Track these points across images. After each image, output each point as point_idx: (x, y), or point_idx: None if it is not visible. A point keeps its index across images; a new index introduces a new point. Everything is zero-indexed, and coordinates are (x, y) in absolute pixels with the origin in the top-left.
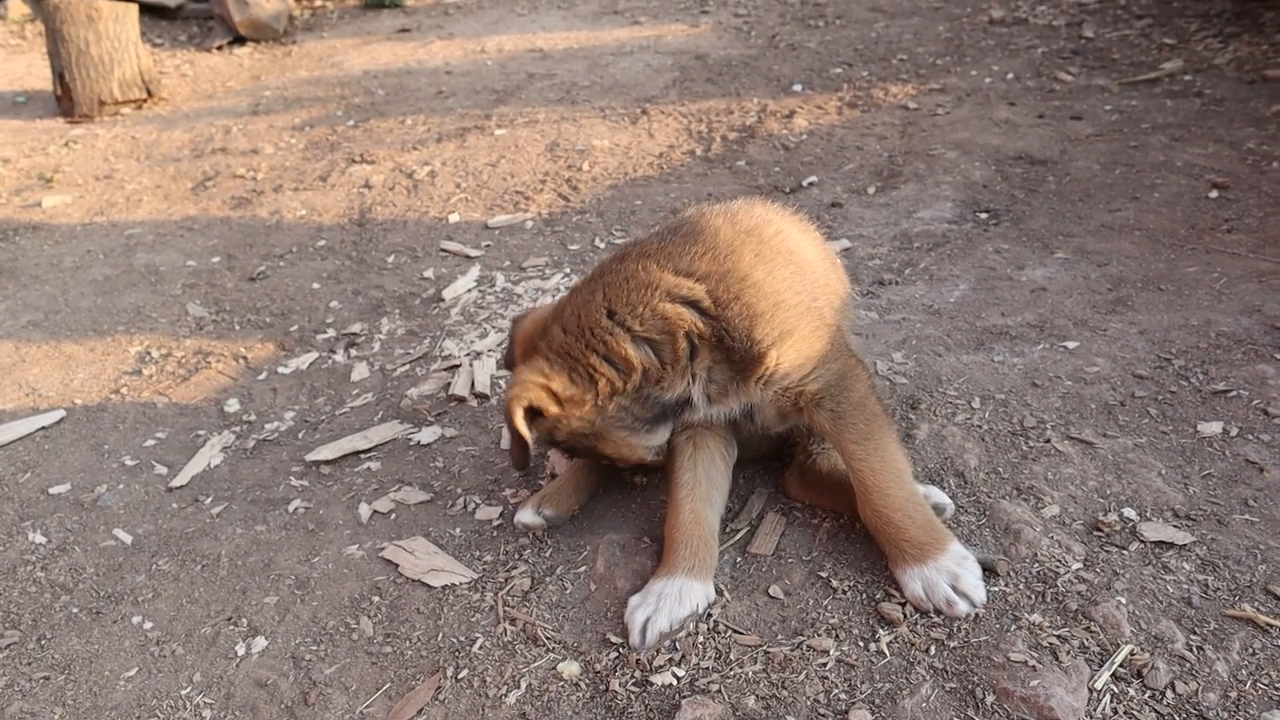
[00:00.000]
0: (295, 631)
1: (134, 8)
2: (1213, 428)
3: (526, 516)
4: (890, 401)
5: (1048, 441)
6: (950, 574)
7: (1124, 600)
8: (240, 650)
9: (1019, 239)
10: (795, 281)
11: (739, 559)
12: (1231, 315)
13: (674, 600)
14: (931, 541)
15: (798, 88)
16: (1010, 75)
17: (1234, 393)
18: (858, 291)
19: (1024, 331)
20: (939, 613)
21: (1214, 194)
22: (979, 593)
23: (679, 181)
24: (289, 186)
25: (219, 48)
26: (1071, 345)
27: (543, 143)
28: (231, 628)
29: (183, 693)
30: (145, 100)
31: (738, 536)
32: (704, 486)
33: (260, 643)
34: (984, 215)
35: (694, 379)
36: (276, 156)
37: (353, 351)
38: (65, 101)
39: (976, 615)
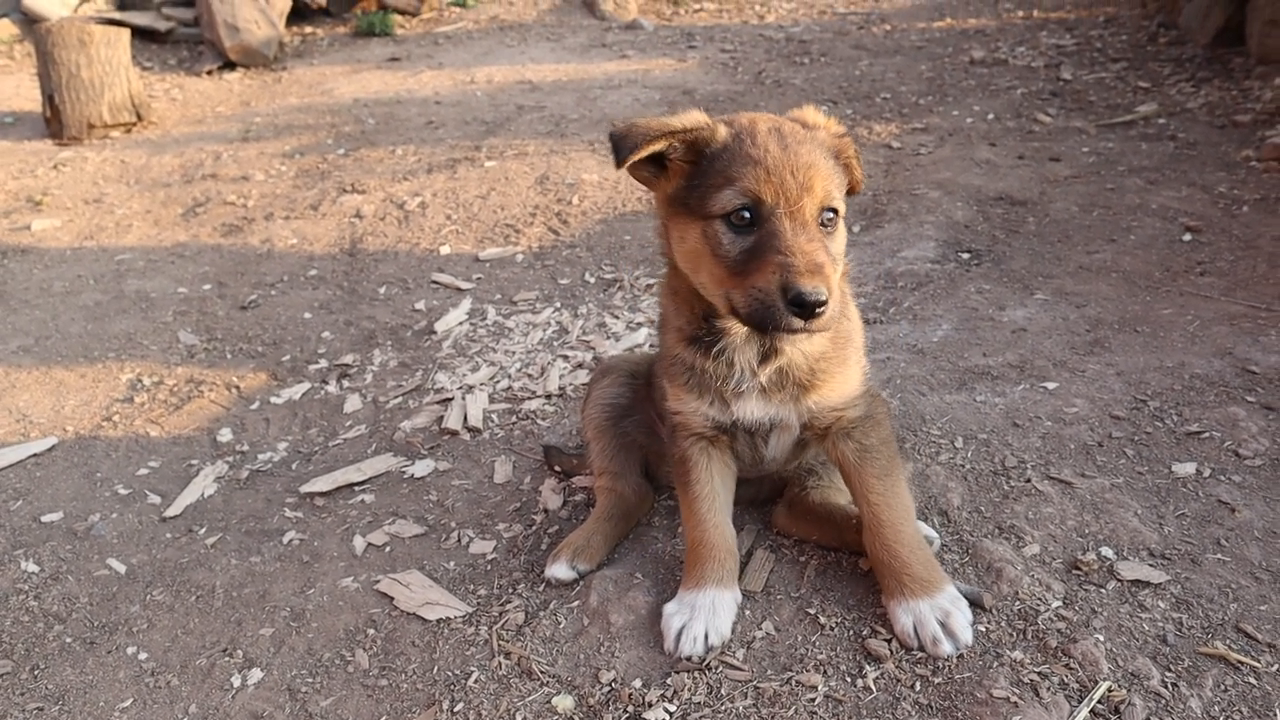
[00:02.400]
0: (291, 663)
1: (126, 32)
2: (1186, 468)
3: (561, 571)
4: None
5: (1028, 481)
6: (943, 611)
7: (1102, 638)
8: (236, 682)
9: (1000, 279)
10: (854, 314)
11: None
12: (1204, 358)
13: (708, 611)
14: (931, 579)
15: None
16: (991, 115)
17: (1207, 434)
18: None
19: (1005, 372)
20: (923, 650)
21: (1187, 237)
22: (966, 634)
23: None
24: (280, 214)
25: (209, 72)
26: (1051, 386)
27: (532, 175)
28: (227, 659)
29: None
30: (135, 124)
31: None
32: (722, 497)
33: (256, 674)
34: (966, 255)
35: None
36: (267, 184)
37: (345, 382)
38: (54, 124)
39: (960, 655)
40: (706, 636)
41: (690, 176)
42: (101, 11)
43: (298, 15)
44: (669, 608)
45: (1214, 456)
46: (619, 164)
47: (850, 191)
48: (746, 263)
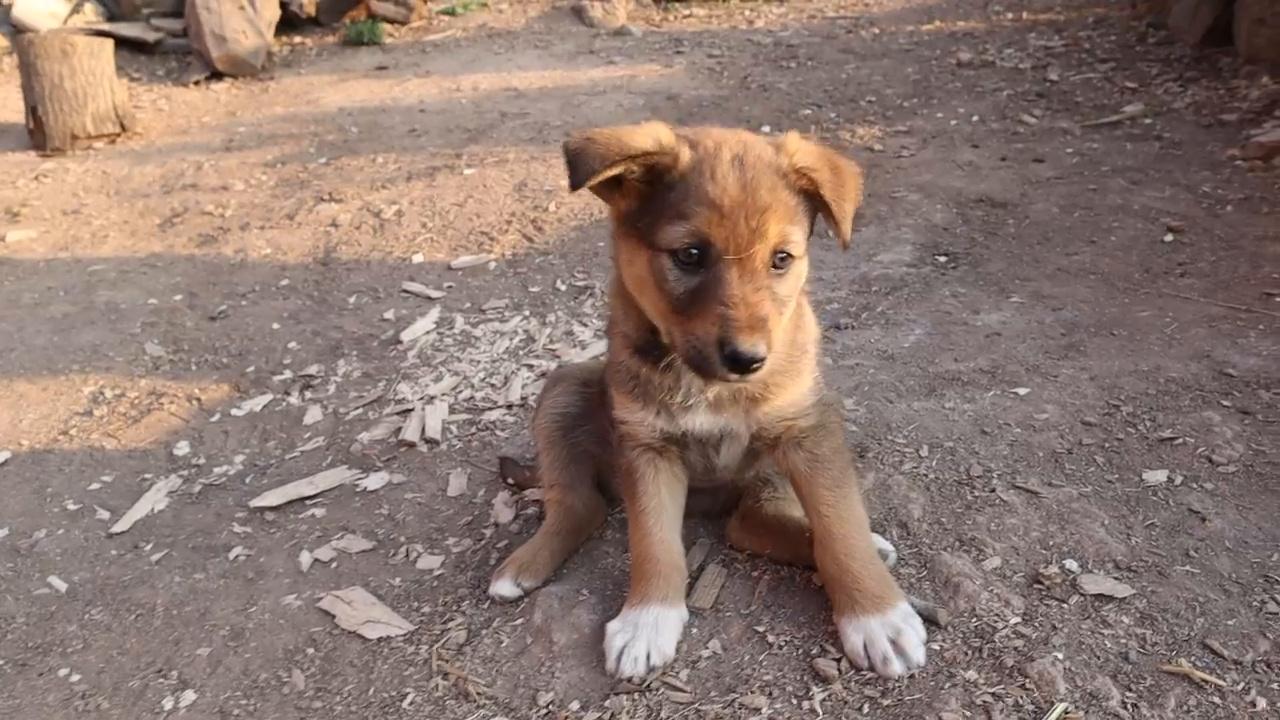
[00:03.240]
0: (226, 684)
1: (109, 43)
2: (1158, 476)
3: (505, 589)
4: None
5: (993, 491)
6: (894, 629)
7: (1061, 656)
8: (168, 704)
9: (976, 283)
10: (810, 323)
11: None
12: (1181, 361)
13: (651, 629)
14: (884, 595)
15: (766, 129)
16: (975, 118)
17: (1180, 440)
18: None
19: (976, 378)
20: (873, 670)
21: (1169, 237)
22: (918, 654)
23: None
24: (256, 224)
25: (196, 83)
26: (1022, 392)
27: (511, 182)
28: (161, 680)
29: None
30: (119, 135)
31: None
32: (670, 510)
33: (189, 696)
34: (943, 259)
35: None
36: (246, 193)
37: (308, 394)
38: (38, 135)
39: (911, 675)
40: (649, 656)
41: (645, 200)
42: (91, 23)
43: (287, 25)
44: (612, 626)
45: (1186, 463)
46: (574, 187)
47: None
48: (690, 304)
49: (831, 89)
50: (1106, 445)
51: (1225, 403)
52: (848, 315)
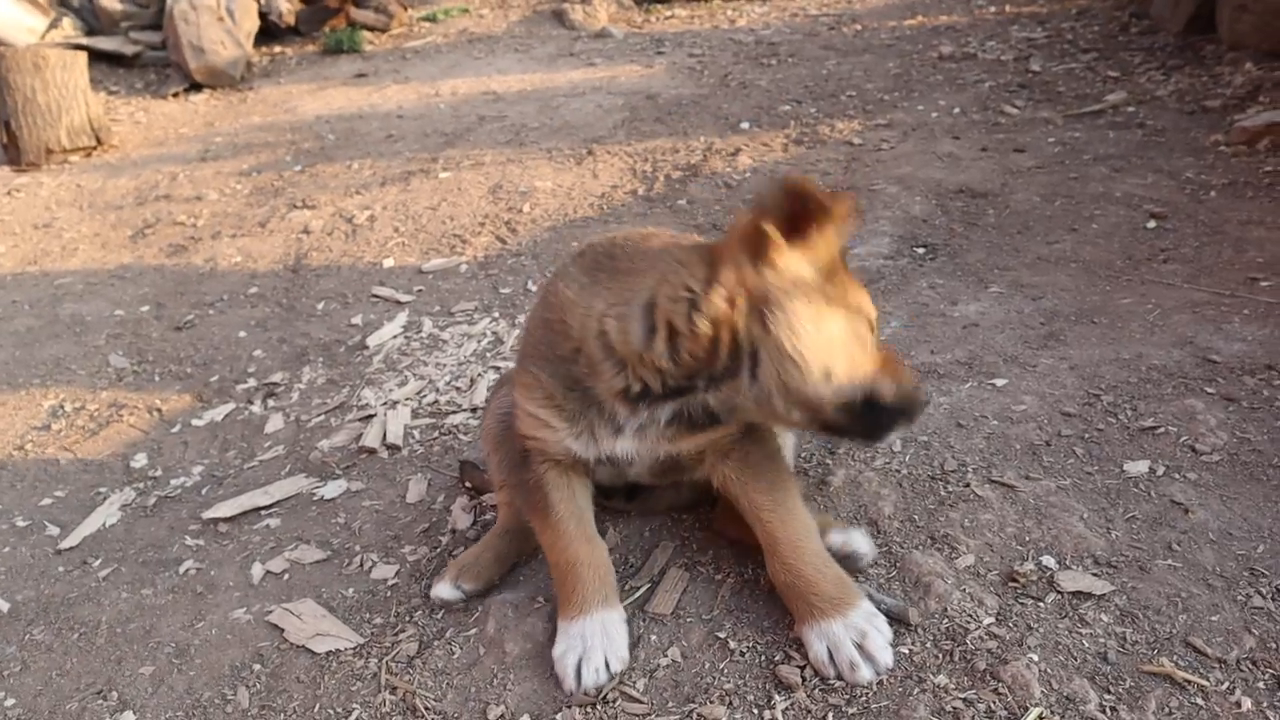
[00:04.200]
0: (167, 704)
1: (82, 55)
2: (1139, 467)
3: (444, 591)
4: (808, 445)
5: (967, 485)
6: (858, 631)
7: (1036, 658)
8: None
9: (954, 274)
10: None
11: (637, 619)
12: (1164, 348)
13: (601, 636)
14: (843, 597)
15: (745, 125)
16: (957, 109)
17: (1162, 429)
18: None
19: (952, 369)
20: (840, 678)
21: (1151, 224)
22: (885, 656)
23: (618, 221)
24: (227, 233)
25: (175, 95)
26: (1000, 383)
27: (486, 185)
28: (100, 702)
29: None
30: (95, 148)
31: (637, 594)
32: (588, 514)
33: (128, 718)
34: (921, 250)
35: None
36: (220, 203)
37: (270, 402)
38: (11, 150)
39: (880, 680)
40: (608, 665)
41: None
42: (70, 37)
43: (266, 35)
44: (558, 649)
45: (1169, 453)
46: None
47: None
48: None
49: (812, 85)
50: (1086, 436)
51: (1209, 390)
52: None
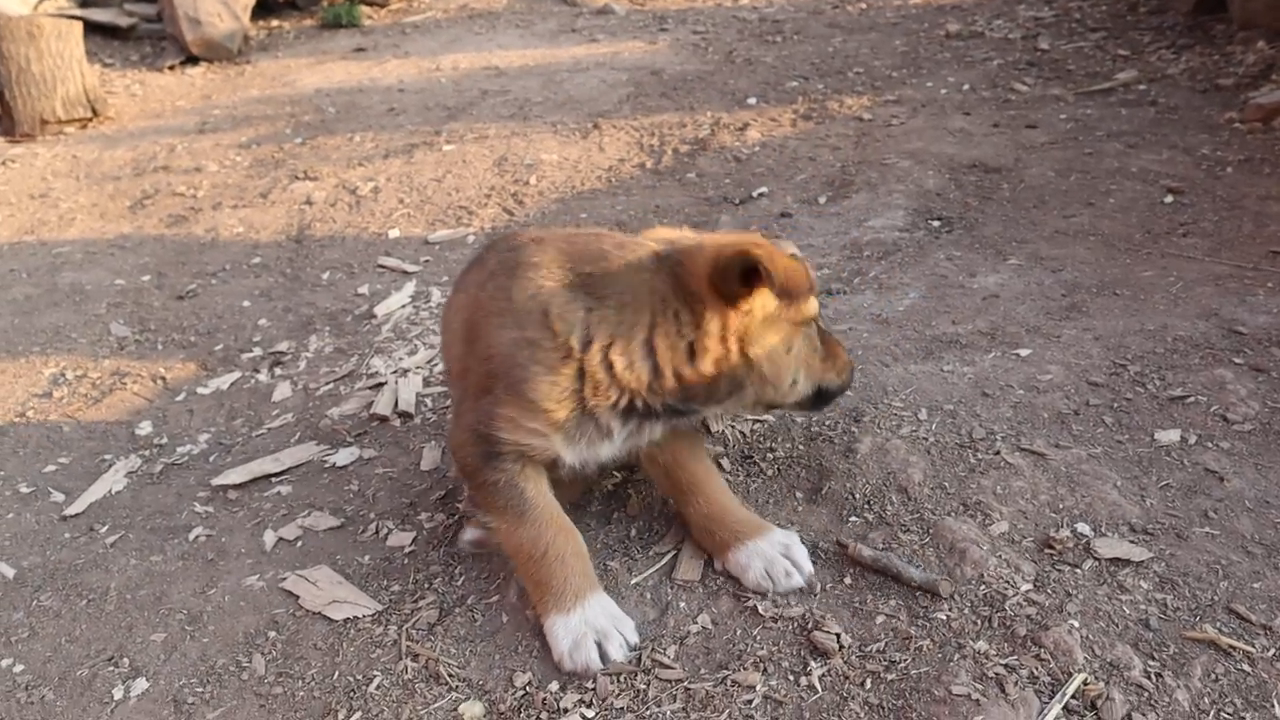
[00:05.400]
0: (180, 671)
1: (78, 25)
2: (1170, 436)
3: (474, 534)
4: (833, 415)
5: (997, 453)
6: (782, 545)
7: (1077, 624)
8: (118, 694)
9: (971, 246)
10: None
11: (664, 585)
12: (1188, 319)
13: (607, 618)
14: (760, 523)
15: (752, 101)
16: (966, 86)
17: (1192, 399)
18: None
19: (975, 339)
20: (777, 591)
21: (1169, 199)
22: (808, 564)
23: (627, 194)
24: (228, 204)
25: (171, 68)
26: (1024, 353)
27: (491, 158)
28: (111, 669)
29: None
30: (90, 119)
31: (663, 561)
32: (558, 505)
33: (140, 685)
34: (936, 223)
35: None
36: (220, 174)
37: (277, 370)
38: (5, 120)
39: (908, 639)
40: (625, 642)
41: None
42: (63, 9)
43: (263, 9)
44: (563, 645)
45: (1200, 422)
46: None
47: None
48: None
49: (818, 61)
50: (1115, 405)
51: (1237, 360)
52: (839, 281)
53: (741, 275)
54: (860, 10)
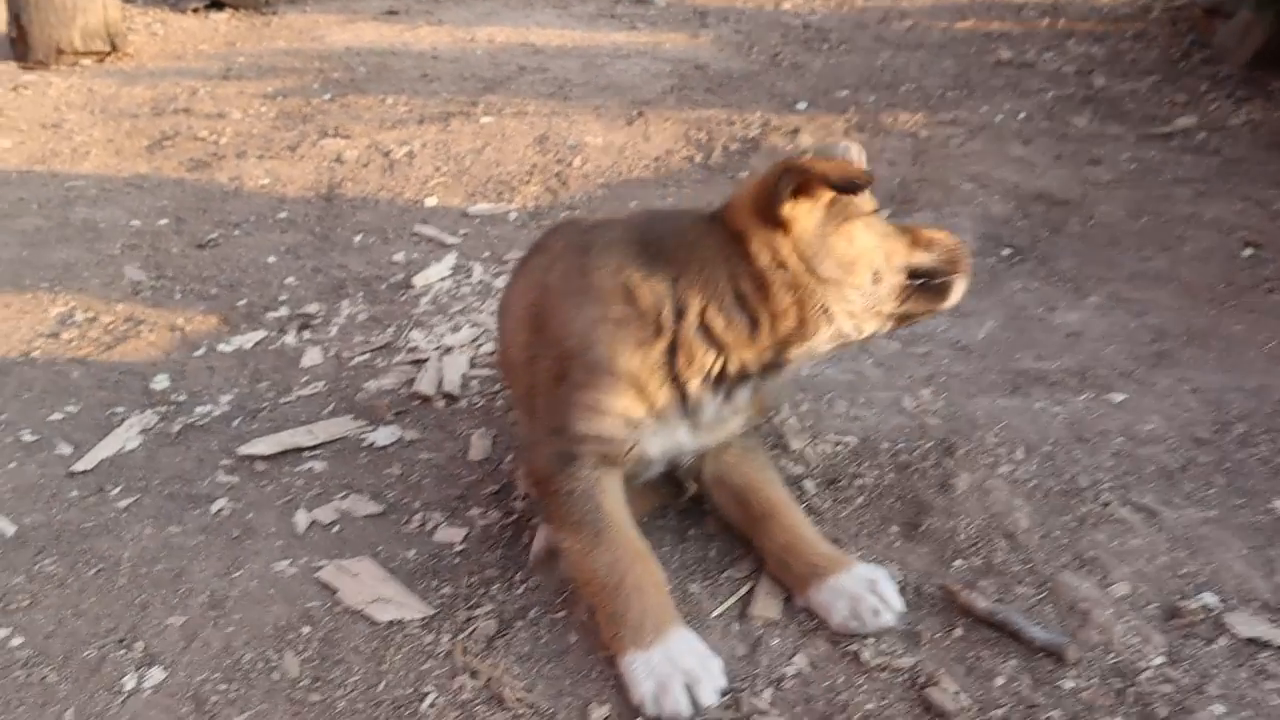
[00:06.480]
0: (202, 663)
1: None
2: None
3: (544, 544)
4: (922, 444)
5: (1106, 505)
6: (867, 581)
7: (1222, 709)
8: (129, 683)
9: (1047, 278)
10: None
11: (740, 624)
12: None
13: (693, 657)
14: (840, 555)
15: (802, 106)
16: (1022, 115)
17: None
18: None
19: (1063, 378)
20: (864, 630)
21: (1248, 252)
22: (898, 600)
23: (677, 186)
24: (254, 153)
25: (195, 10)
26: (1118, 398)
27: (531, 134)
28: (122, 652)
29: None
30: (109, 54)
31: (740, 594)
32: (635, 525)
33: (156, 674)
34: (1007, 251)
35: None
36: (244, 122)
37: (306, 334)
38: (20, 45)
39: (1033, 707)
40: (717, 687)
41: None
42: None
43: None
44: (644, 688)
45: None
46: None
47: None
48: None
49: (867, 74)
50: (1224, 466)
51: None
52: None
53: (792, 192)
54: (906, 28)
